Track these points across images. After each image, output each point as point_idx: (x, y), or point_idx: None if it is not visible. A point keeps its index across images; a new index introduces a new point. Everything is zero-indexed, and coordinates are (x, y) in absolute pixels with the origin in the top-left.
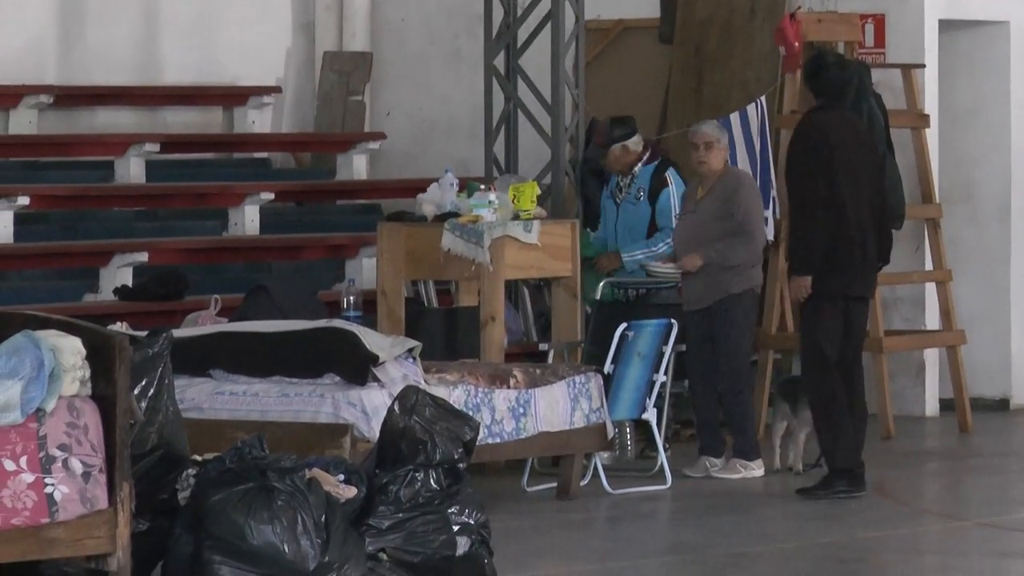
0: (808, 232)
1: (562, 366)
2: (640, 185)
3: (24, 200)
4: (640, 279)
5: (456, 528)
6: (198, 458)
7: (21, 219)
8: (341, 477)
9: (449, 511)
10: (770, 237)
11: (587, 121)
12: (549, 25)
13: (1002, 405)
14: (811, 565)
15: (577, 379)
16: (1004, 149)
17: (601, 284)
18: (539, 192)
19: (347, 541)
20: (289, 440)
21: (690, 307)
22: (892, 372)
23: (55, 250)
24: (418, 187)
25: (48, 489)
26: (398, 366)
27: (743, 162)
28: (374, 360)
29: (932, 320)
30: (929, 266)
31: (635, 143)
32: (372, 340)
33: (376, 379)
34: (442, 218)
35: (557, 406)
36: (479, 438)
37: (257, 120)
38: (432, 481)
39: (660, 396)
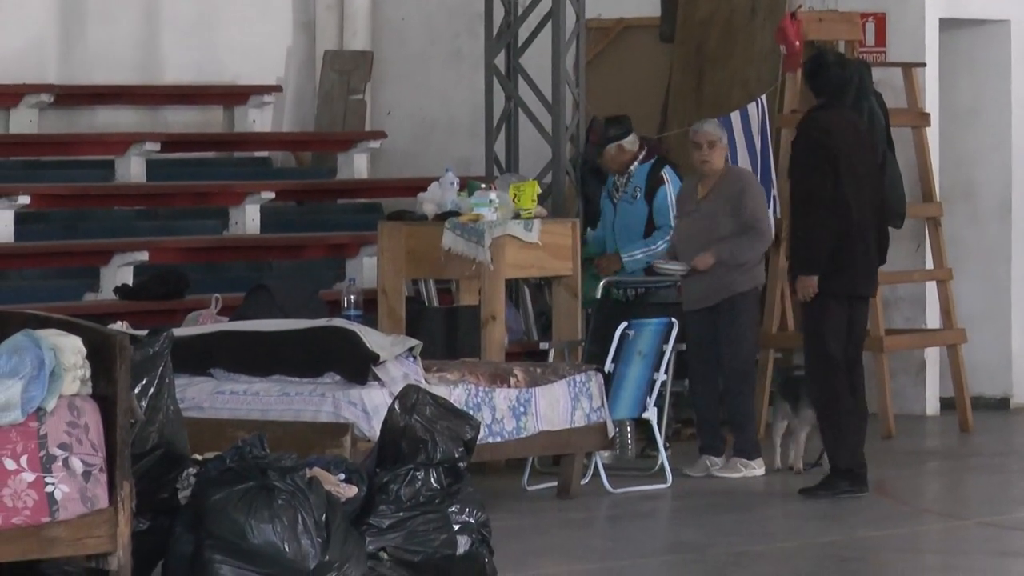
0: (814, 231)
1: (563, 365)
2: (636, 184)
3: (25, 199)
4: (639, 278)
5: (457, 527)
6: (199, 457)
7: (22, 218)
8: (342, 476)
9: (450, 510)
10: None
11: (588, 120)
12: (550, 24)
13: (1003, 404)
14: (812, 564)
15: (578, 378)
16: (1005, 148)
17: (602, 283)
18: (540, 191)
19: (348, 540)
20: (290, 439)
21: (692, 306)
22: (893, 371)
23: (56, 249)
24: (419, 186)
25: (49, 488)
26: (399, 365)
27: (743, 161)
28: (375, 359)
29: (933, 319)
30: (930, 265)
31: (630, 142)
32: (373, 339)
33: (377, 378)
34: (443, 217)
35: (558, 405)
36: (479, 437)
37: (258, 119)
38: (433, 480)
39: (660, 395)
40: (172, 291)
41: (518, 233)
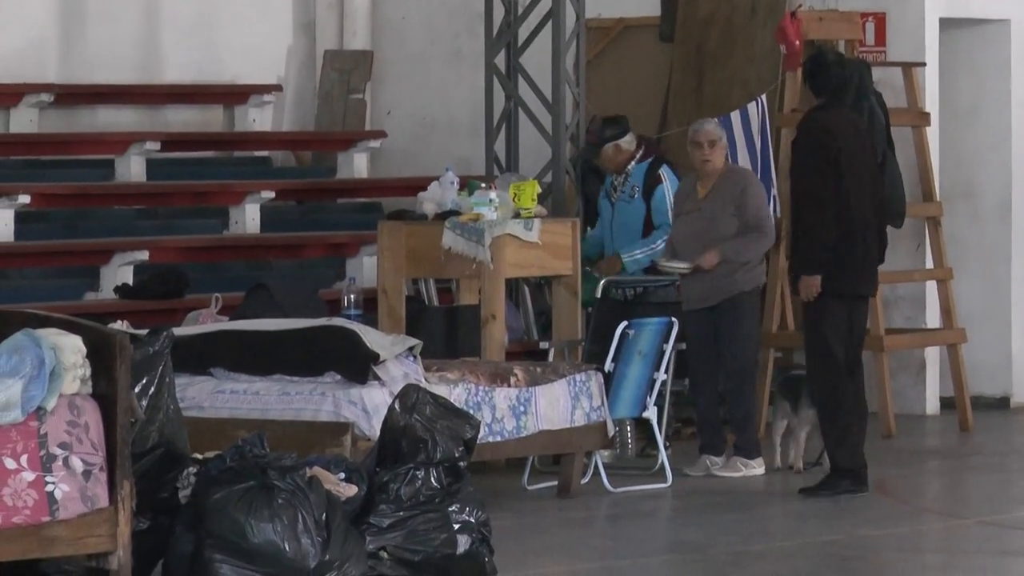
0: (815, 231)
1: (563, 364)
2: (634, 183)
3: (25, 199)
4: (638, 278)
5: (457, 526)
6: (199, 456)
7: (22, 218)
8: (342, 475)
9: (450, 509)
10: None
11: (588, 120)
12: (550, 23)
13: (1003, 403)
14: (812, 563)
15: (578, 377)
16: (1005, 147)
17: (602, 282)
18: (540, 190)
19: (348, 539)
20: (290, 438)
21: (693, 306)
22: (893, 370)
23: (56, 248)
24: (419, 185)
25: (49, 487)
26: (399, 364)
27: (744, 160)
28: (375, 358)
29: (933, 318)
30: (930, 264)
31: (627, 142)
32: (373, 338)
33: (377, 377)
34: (443, 216)
35: (558, 404)
36: (480, 436)
37: (258, 118)
38: (433, 479)
39: (660, 394)
40: (172, 290)
41: (518, 232)
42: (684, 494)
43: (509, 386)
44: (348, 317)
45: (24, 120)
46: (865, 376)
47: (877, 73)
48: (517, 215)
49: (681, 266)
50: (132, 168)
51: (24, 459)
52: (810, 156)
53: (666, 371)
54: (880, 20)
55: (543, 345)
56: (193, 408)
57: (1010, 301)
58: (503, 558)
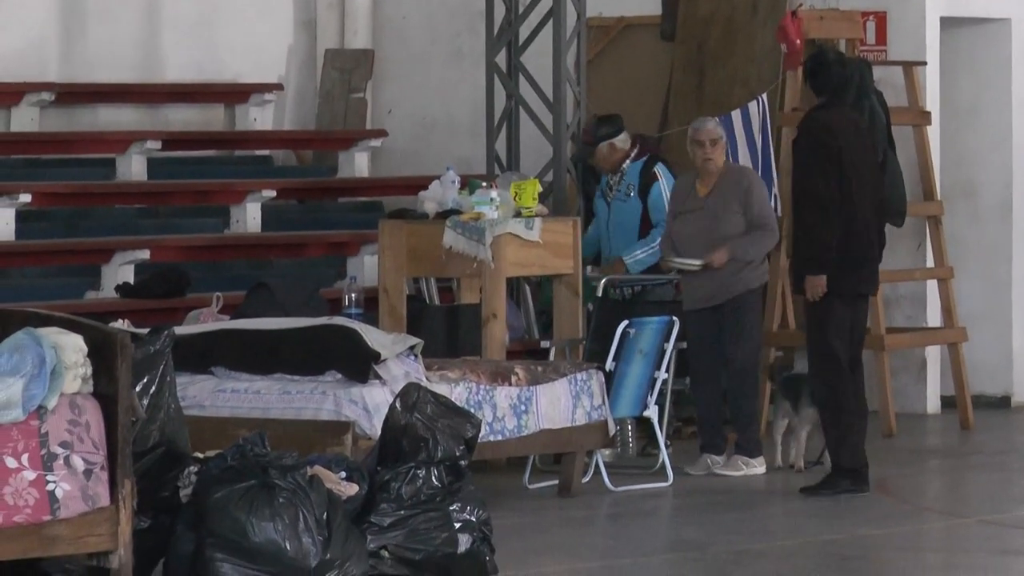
0: (817, 231)
1: (564, 363)
2: (630, 182)
3: (26, 198)
4: (636, 277)
5: (458, 525)
6: (200, 455)
7: (23, 216)
8: (343, 474)
9: (451, 508)
10: None
11: (589, 119)
12: (551, 22)
13: (1003, 402)
14: (813, 563)
15: (579, 376)
16: (1005, 146)
17: (603, 282)
18: (541, 189)
19: (349, 538)
20: (291, 437)
21: (697, 305)
22: (894, 369)
23: (57, 247)
24: (420, 184)
25: (50, 486)
26: (400, 363)
27: (744, 159)
28: (376, 357)
29: (933, 317)
30: (930, 263)
31: (622, 140)
32: (374, 337)
33: (378, 376)
34: (444, 215)
35: (559, 403)
36: (480, 435)
37: (259, 117)
38: (434, 478)
39: (661, 393)
40: (173, 289)
41: (519, 231)
42: (685, 493)
43: (510, 385)
44: (349, 316)
45: (25, 119)
46: (866, 375)
47: (878, 72)
48: (518, 214)
49: (693, 262)
50: (133, 167)
51: (25, 458)
52: (811, 155)
53: (667, 370)
54: (881, 19)
55: (544, 344)
56: (194, 407)
57: (1011, 300)
58: (504, 557)
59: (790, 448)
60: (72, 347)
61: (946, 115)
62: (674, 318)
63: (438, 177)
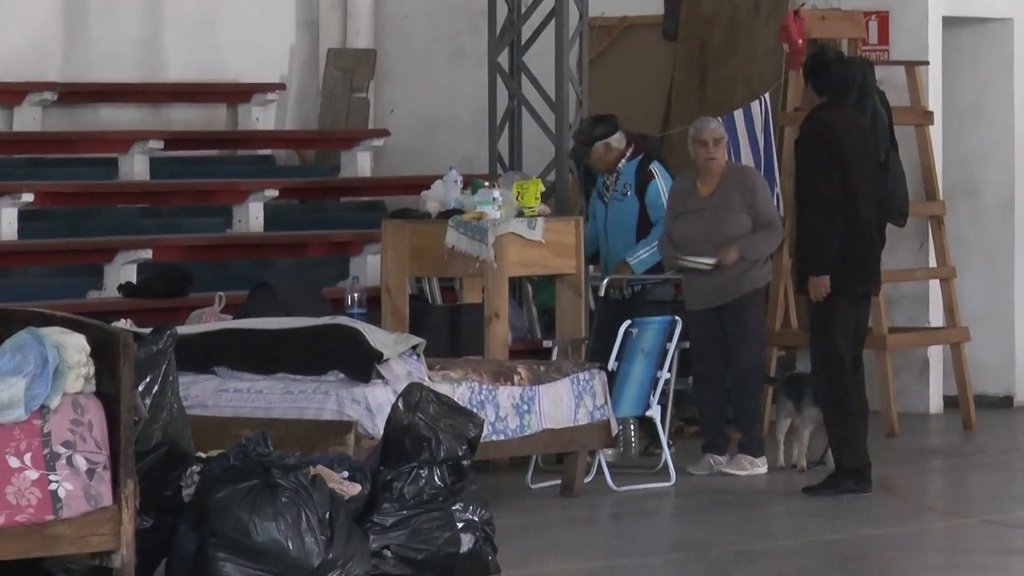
0: (820, 231)
1: (566, 363)
2: (626, 181)
3: (28, 197)
4: (639, 277)
5: (460, 525)
6: (202, 455)
7: (25, 216)
8: (345, 474)
9: (453, 508)
10: None
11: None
12: (553, 22)
13: (1006, 402)
14: (815, 562)
15: (581, 376)
16: (1008, 146)
17: (605, 281)
18: (543, 189)
19: (351, 538)
20: (293, 437)
21: (703, 305)
22: (896, 369)
23: (59, 247)
24: (422, 184)
25: (52, 486)
26: (402, 363)
27: (747, 159)
28: (378, 357)
29: (936, 317)
30: (933, 263)
31: (617, 140)
32: (376, 337)
33: (380, 376)
34: (446, 215)
35: (561, 403)
36: (483, 435)
37: (261, 117)
38: (436, 478)
39: (664, 393)
40: (176, 289)
41: (521, 231)
42: (687, 493)
43: (512, 385)
44: (351, 316)
45: (27, 119)
46: (868, 375)
47: (880, 72)
48: (520, 214)
49: (707, 261)
50: (135, 167)
51: (28, 457)
52: (814, 155)
53: (669, 369)
54: (883, 19)
55: (546, 344)
56: (197, 407)
57: (1013, 300)
58: (506, 557)
59: (792, 448)
60: (75, 347)
61: (948, 115)
62: (676, 318)
63: (440, 177)
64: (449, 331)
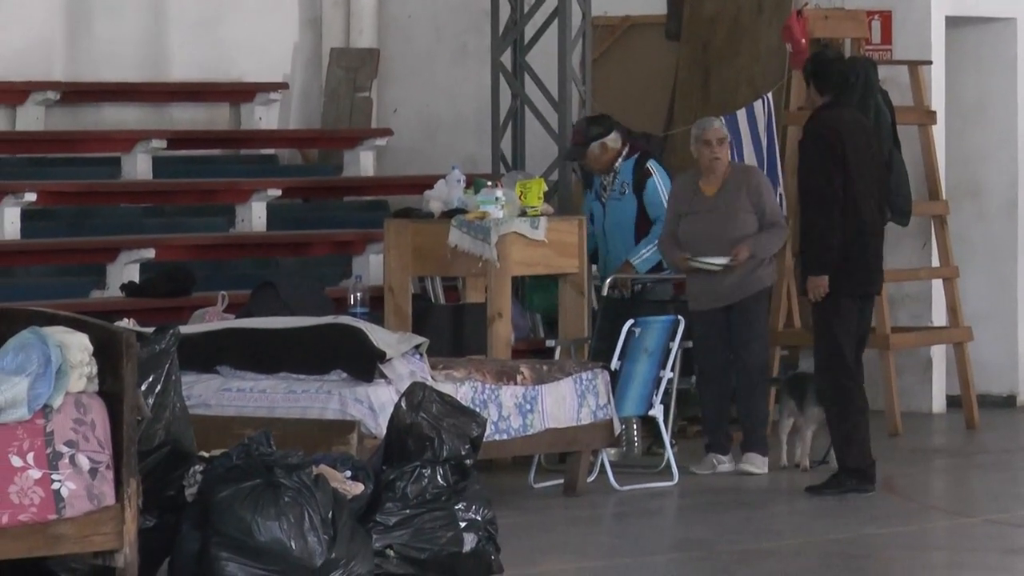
0: (820, 231)
1: (569, 362)
2: (624, 180)
3: (31, 196)
4: (643, 276)
5: (463, 524)
6: (205, 454)
7: (28, 215)
8: (348, 473)
9: (456, 507)
10: None
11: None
12: (556, 22)
13: (1009, 402)
14: (818, 561)
15: (584, 375)
16: (1011, 145)
17: (607, 281)
18: (546, 188)
19: (354, 537)
20: (296, 436)
21: (709, 305)
22: (899, 369)
23: (62, 246)
24: (425, 183)
25: (55, 485)
26: (405, 362)
27: (750, 158)
28: (381, 356)
29: (939, 317)
30: (936, 263)
31: (613, 140)
32: (379, 336)
33: (383, 375)
34: (449, 214)
35: (564, 402)
36: (486, 434)
37: (264, 116)
38: (439, 477)
39: (667, 392)
40: (178, 288)
41: (524, 231)
42: (690, 492)
43: (515, 384)
44: (354, 315)
45: (30, 118)
46: (871, 374)
47: (883, 71)
48: (523, 213)
49: (719, 261)
50: (138, 166)
51: (30, 457)
52: (817, 155)
53: (672, 369)
54: (886, 18)
55: (549, 343)
56: (199, 406)
57: (1016, 299)
58: (509, 556)
59: (795, 447)
60: (77, 346)
61: (951, 114)
62: (679, 317)
63: (443, 176)
64: (452, 330)
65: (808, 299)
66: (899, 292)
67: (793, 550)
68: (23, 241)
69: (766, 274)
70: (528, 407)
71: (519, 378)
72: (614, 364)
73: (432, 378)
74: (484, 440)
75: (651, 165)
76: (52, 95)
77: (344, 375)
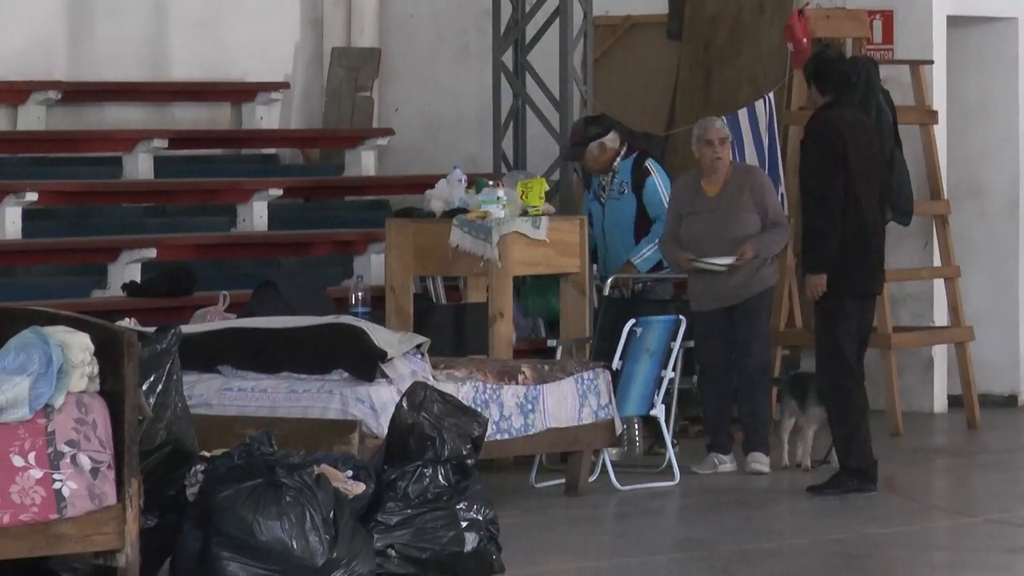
0: (825, 231)
1: (570, 362)
2: (622, 179)
3: (32, 196)
4: (644, 275)
5: (464, 524)
6: (206, 454)
7: (29, 215)
8: (349, 473)
9: (457, 507)
10: None
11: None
12: (557, 21)
13: (1010, 401)
14: (820, 561)
15: (585, 375)
16: (1012, 145)
17: (609, 280)
18: (547, 188)
19: (355, 537)
20: (297, 436)
21: (712, 306)
22: (900, 368)
23: (63, 246)
24: (426, 183)
25: (57, 485)
26: (406, 362)
27: (751, 158)
28: (382, 356)
29: (940, 316)
30: (937, 262)
31: (611, 140)
32: (380, 336)
33: (384, 375)
34: (450, 214)
35: (565, 402)
36: (487, 434)
37: (265, 116)
38: (440, 477)
39: (668, 392)
40: (180, 288)
41: (526, 230)
42: (691, 492)
43: (517, 384)
44: (356, 315)
45: (32, 117)
46: (873, 374)
47: (884, 71)
48: (525, 213)
49: (725, 261)
50: (140, 165)
51: (32, 456)
52: (818, 155)
53: (674, 369)
54: (887, 18)
55: (551, 343)
56: (201, 406)
57: (1018, 299)
58: (511, 556)
59: (797, 447)
60: (79, 346)
61: (953, 114)
62: (680, 317)
63: (445, 176)
64: (453, 330)
65: (808, 298)
66: (900, 292)
67: (795, 550)
68: (24, 241)
69: (769, 274)
70: (529, 407)
71: (520, 378)
72: (615, 364)
73: (433, 378)
74: (485, 440)
75: (650, 164)
76: (53, 95)
77: (345, 375)
